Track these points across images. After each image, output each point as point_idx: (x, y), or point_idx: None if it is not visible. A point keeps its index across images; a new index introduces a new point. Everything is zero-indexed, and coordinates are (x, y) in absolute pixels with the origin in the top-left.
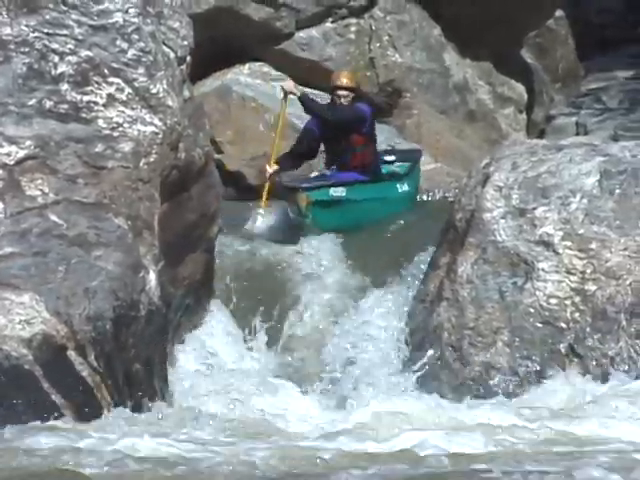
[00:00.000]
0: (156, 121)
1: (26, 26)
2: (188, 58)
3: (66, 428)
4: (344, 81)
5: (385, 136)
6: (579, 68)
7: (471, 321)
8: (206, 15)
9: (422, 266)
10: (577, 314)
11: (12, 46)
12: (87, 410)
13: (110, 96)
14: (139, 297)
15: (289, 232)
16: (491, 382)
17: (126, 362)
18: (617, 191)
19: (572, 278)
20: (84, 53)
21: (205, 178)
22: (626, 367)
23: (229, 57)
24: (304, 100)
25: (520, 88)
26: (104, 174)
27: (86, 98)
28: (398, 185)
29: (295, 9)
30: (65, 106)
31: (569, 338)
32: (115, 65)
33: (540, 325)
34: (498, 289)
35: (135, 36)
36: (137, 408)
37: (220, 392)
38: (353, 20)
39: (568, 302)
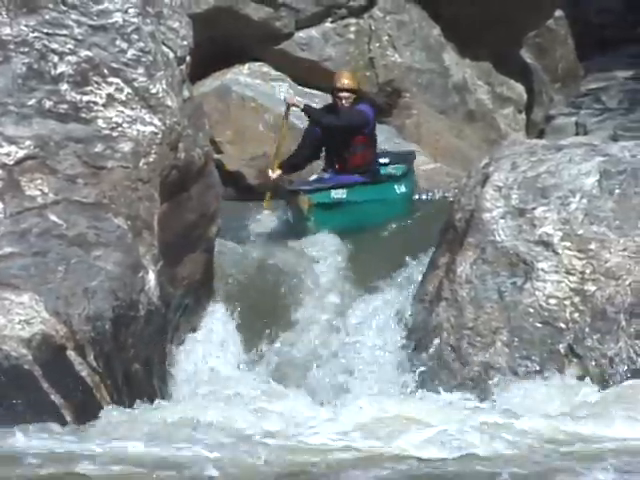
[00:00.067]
0: (156, 121)
1: (26, 26)
2: (188, 58)
3: (65, 428)
4: (346, 82)
5: (385, 136)
6: (579, 68)
7: (470, 321)
8: (206, 15)
9: (421, 267)
10: (576, 314)
11: (12, 46)
12: (86, 410)
13: (110, 96)
14: (138, 297)
15: (289, 234)
16: (490, 382)
17: (125, 362)
18: (617, 191)
19: (571, 278)
20: (84, 53)
21: (205, 178)
22: (625, 367)
23: (229, 57)
24: (308, 111)
25: (519, 88)
26: (104, 174)
27: (86, 98)
28: (396, 186)
29: (295, 9)
30: (65, 106)
31: (568, 338)
32: (115, 65)
33: (539, 325)
34: (497, 289)
35: (135, 36)
36: (136, 408)
37: (219, 392)
38: (353, 20)
39: (567, 302)
